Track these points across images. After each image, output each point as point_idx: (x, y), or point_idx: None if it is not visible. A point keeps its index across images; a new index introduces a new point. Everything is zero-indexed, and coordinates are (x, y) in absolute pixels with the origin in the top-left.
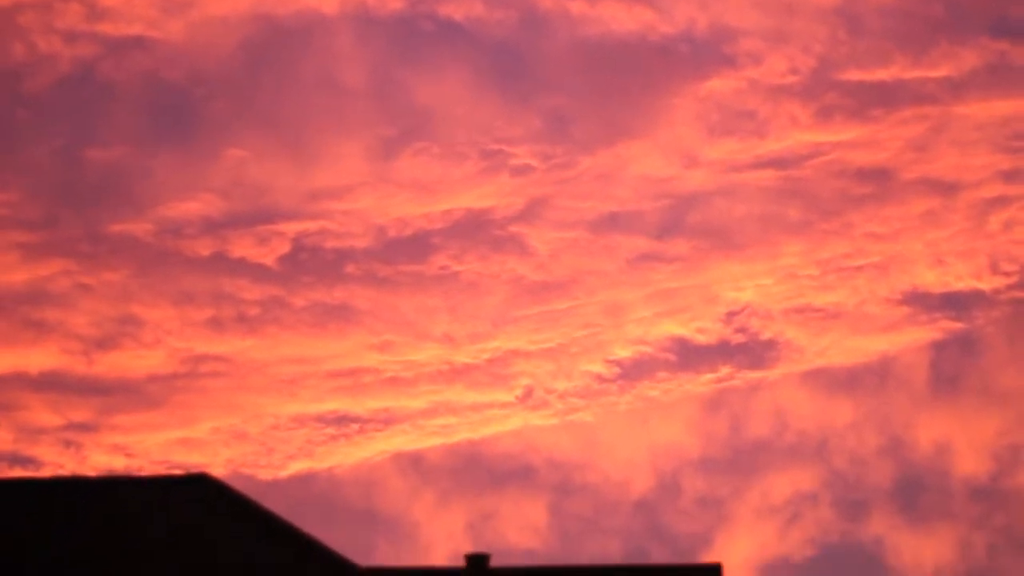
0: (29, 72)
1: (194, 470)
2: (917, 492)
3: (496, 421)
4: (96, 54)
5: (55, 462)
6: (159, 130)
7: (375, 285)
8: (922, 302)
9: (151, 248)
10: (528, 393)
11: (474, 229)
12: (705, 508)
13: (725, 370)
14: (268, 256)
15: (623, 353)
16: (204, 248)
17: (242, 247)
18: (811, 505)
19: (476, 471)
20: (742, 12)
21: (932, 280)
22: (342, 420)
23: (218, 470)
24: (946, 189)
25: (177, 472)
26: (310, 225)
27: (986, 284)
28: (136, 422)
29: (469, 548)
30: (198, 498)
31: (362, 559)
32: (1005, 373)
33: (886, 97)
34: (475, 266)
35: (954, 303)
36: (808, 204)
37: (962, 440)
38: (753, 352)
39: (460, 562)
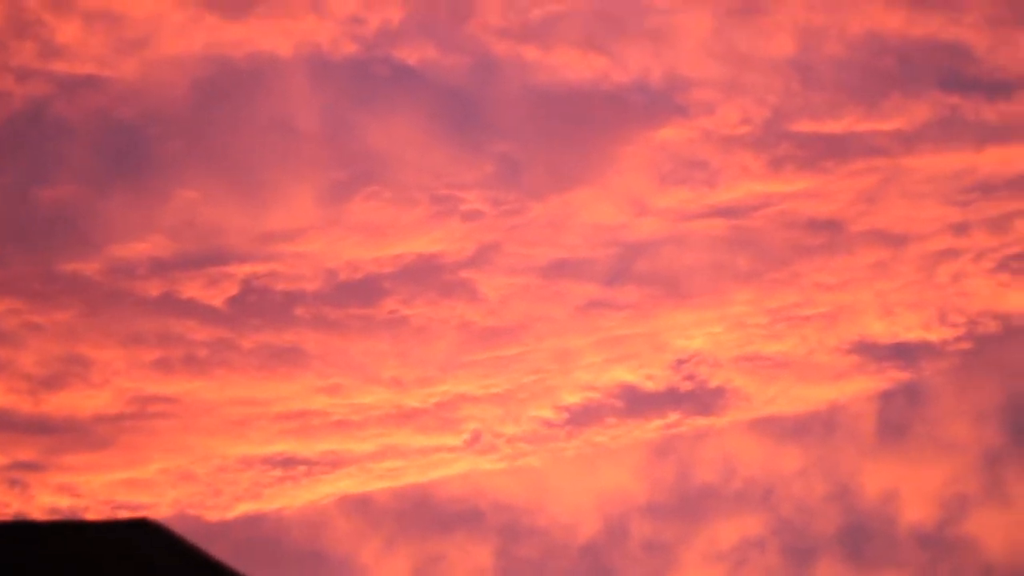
0: None
1: (141, 510)
2: (864, 540)
3: (444, 465)
4: (48, 92)
5: (1, 501)
6: (111, 169)
7: (325, 328)
8: (870, 352)
9: (101, 288)
10: (476, 437)
11: (424, 274)
12: (652, 553)
13: (673, 416)
14: (217, 297)
15: (572, 399)
16: (154, 288)
17: (192, 288)
18: (758, 551)
19: (424, 514)
20: (696, 62)
21: (881, 330)
22: (289, 462)
23: (165, 511)
24: (896, 241)
25: (123, 513)
26: (260, 267)
27: (934, 335)
28: (83, 462)
29: None
30: (141, 543)
31: None
32: (952, 423)
33: (838, 149)
34: (425, 311)
35: (902, 353)
36: (758, 253)
37: (909, 488)
38: (701, 399)
39: None
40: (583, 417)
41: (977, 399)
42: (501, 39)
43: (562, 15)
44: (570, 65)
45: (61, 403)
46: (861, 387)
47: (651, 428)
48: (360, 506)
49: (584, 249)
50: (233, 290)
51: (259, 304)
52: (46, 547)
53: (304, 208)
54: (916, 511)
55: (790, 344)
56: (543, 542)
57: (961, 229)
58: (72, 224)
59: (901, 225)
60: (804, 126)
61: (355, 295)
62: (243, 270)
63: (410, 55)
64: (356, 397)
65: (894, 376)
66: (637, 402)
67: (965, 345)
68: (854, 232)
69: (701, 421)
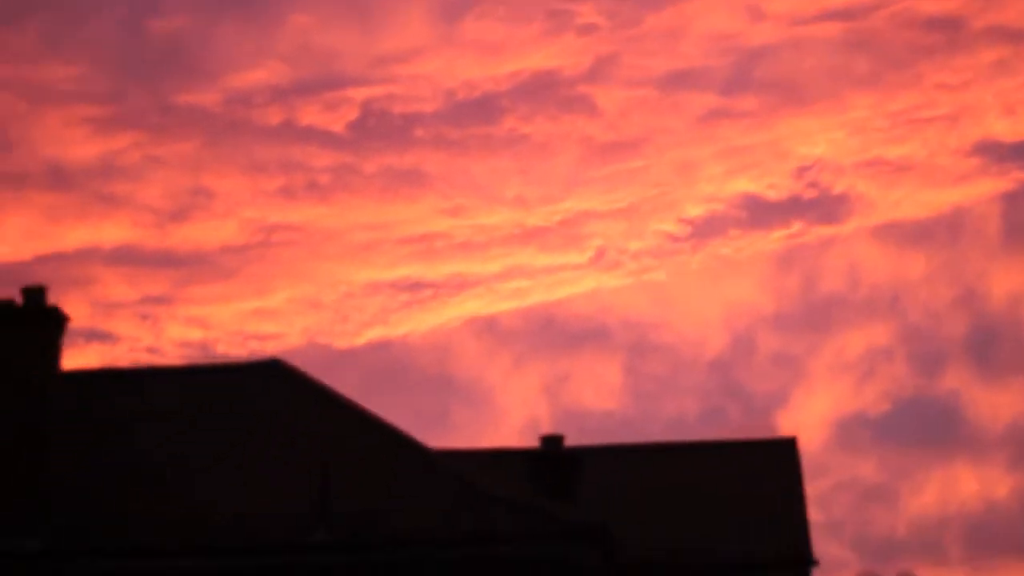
0: None
1: (270, 340)
2: (991, 344)
3: (569, 283)
4: None
5: (131, 336)
6: None
7: (444, 149)
8: (994, 152)
9: (220, 118)
10: (600, 254)
11: (542, 90)
12: (780, 366)
13: (797, 226)
14: (337, 123)
15: (694, 211)
16: (273, 116)
17: (311, 114)
18: (885, 360)
19: (550, 334)
20: None
21: (1004, 129)
22: (415, 286)
23: (294, 340)
24: (1017, 36)
25: (253, 344)
26: (378, 90)
27: None
28: (211, 293)
29: (543, 411)
30: (271, 384)
31: (438, 424)
32: None
33: None
34: (544, 127)
35: None
36: (877, 55)
37: None
38: (824, 207)
39: (534, 439)
40: (706, 229)
41: None
42: None
43: None
44: None
45: (186, 235)
46: (985, 188)
47: (775, 238)
48: (487, 327)
49: (701, 58)
50: (352, 114)
51: (378, 127)
52: (180, 388)
53: (418, 28)
54: None
55: (912, 147)
56: (670, 357)
57: None
58: (187, 55)
59: (1022, 20)
60: None
61: (473, 114)
62: (361, 93)
63: None
64: (479, 217)
65: (1018, 176)
66: (760, 212)
67: None
68: (975, 29)
69: (825, 229)
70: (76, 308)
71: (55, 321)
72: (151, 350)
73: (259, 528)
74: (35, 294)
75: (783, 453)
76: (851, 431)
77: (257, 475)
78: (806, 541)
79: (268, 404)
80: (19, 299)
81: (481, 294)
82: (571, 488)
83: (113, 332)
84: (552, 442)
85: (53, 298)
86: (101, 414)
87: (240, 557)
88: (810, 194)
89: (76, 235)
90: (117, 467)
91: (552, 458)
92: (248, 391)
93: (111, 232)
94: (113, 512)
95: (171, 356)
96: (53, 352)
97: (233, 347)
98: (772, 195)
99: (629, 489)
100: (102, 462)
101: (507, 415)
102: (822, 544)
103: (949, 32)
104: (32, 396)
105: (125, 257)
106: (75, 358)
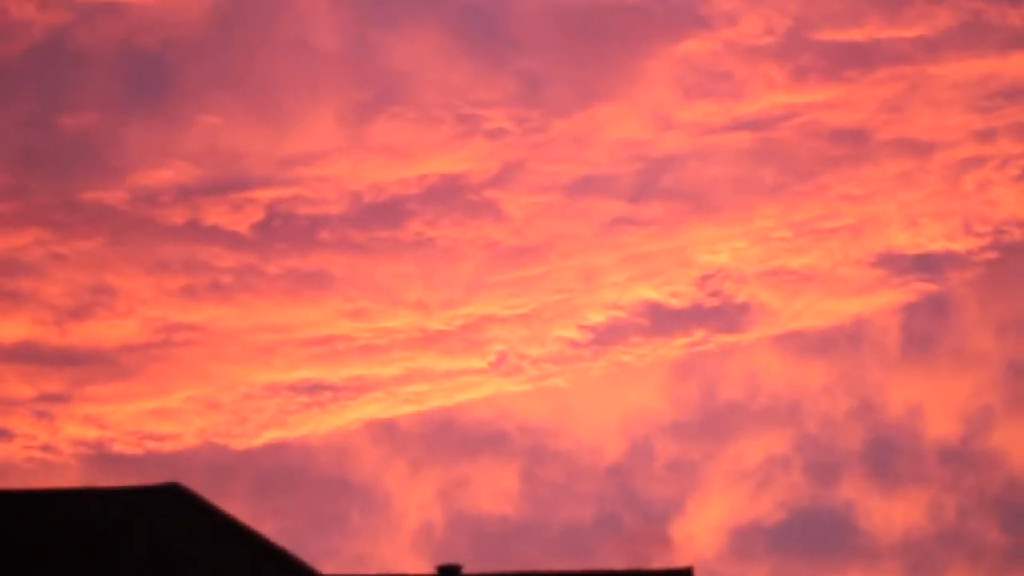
0: (1, 38)
1: (168, 440)
2: (888, 455)
3: (469, 388)
4: (69, 20)
5: (27, 433)
6: (131, 96)
7: (350, 251)
8: (895, 264)
9: (125, 216)
10: (501, 359)
11: (449, 194)
12: (677, 473)
13: (699, 334)
14: (242, 223)
15: (596, 318)
16: (178, 216)
17: (216, 214)
18: (783, 469)
19: (449, 438)
20: None
21: (906, 242)
22: (315, 388)
23: (191, 440)
24: (921, 150)
25: (149, 444)
26: (284, 192)
27: (960, 245)
28: (109, 392)
29: (440, 516)
30: (170, 509)
31: (334, 527)
32: (977, 335)
33: (861, 57)
34: (450, 231)
35: (927, 264)
36: (783, 166)
37: (934, 402)
38: (726, 315)
39: (430, 546)
40: (608, 336)
41: (1002, 309)
42: None
43: None
44: None
45: (87, 333)
46: (886, 300)
47: (676, 346)
48: (386, 431)
49: (608, 165)
50: (257, 215)
51: (284, 229)
52: (75, 513)
53: (326, 130)
54: (941, 425)
55: (815, 257)
56: (568, 463)
57: (986, 136)
58: (95, 152)
59: (926, 133)
60: (827, 35)
61: (380, 217)
62: (267, 195)
63: None
64: (381, 321)
65: (919, 288)
66: (662, 320)
67: (991, 255)
68: (879, 141)
69: (726, 338)
70: None
71: None
72: (46, 448)
73: None
74: None
75: None
76: (746, 539)
77: None
78: None
79: (165, 530)
80: None
81: (381, 398)
82: None
83: (9, 429)
84: (448, 571)
85: None
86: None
87: None
88: (712, 302)
89: None
90: None
91: None
92: (145, 515)
93: (11, 329)
94: None
95: (66, 455)
96: None
97: (129, 447)
98: (674, 303)
99: None
100: None
101: (403, 519)
102: None
103: (854, 144)
104: None
105: (24, 355)
106: None
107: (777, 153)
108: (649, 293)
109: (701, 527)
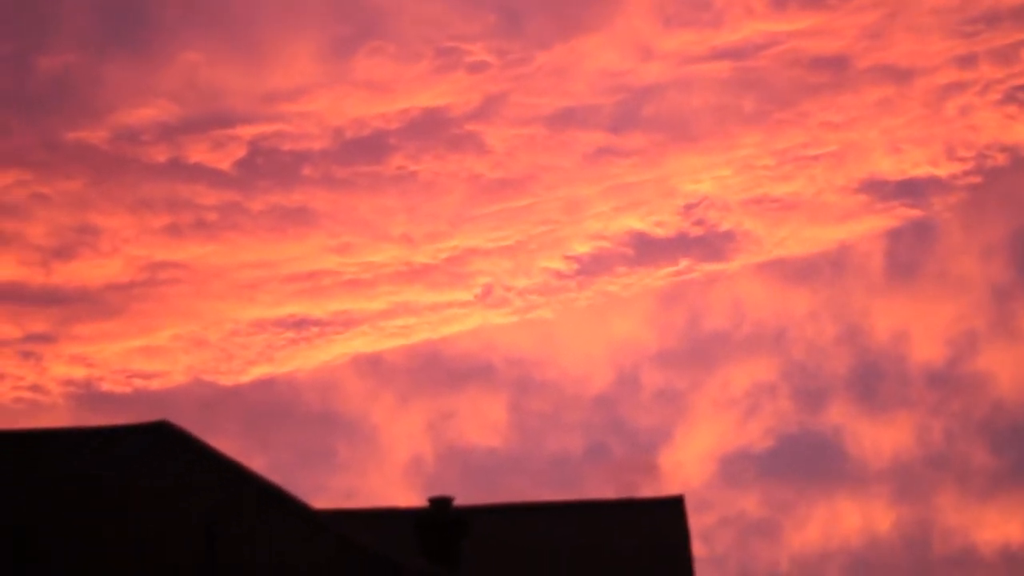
0: None
1: (155, 378)
2: (874, 380)
3: (455, 320)
4: None
5: (15, 374)
6: (111, 34)
7: (333, 187)
8: (879, 190)
9: (106, 155)
10: (487, 291)
11: (431, 128)
12: (664, 401)
13: (684, 263)
14: (224, 160)
15: (581, 249)
16: (160, 154)
17: (198, 152)
18: (770, 396)
19: (436, 371)
20: None
21: (888, 168)
22: (301, 324)
23: (179, 377)
24: (901, 76)
25: (137, 382)
26: (266, 128)
27: (942, 170)
28: (96, 332)
29: (429, 449)
30: (158, 446)
31: (323, 462)
32: (961, 259)
33: None
34: (432, 165)
35: (910, 190)
36: (764, 94)
37: (919, 327)
38: (711, 244)
39: (419, 480)
40: (593, 267)
41: (986, 234)
42: None
43: None
44: None
45: (72, 273)
46: (870, 226)
47: (661, 275)
48: (372, 365)
49: (590, 96)
50: (240, 152)
51: (266, 165)
52: (66, 454)
53: (307, 66)
54: (926, 349)
55: (798, 185)
56: (555, 394)
57: (967, 61)
58: (74, 92)
59: (907, 60)
60: None
61: (362, 152)
62: (249, 131)
63: None
64: (366, 255)
65: (903, 214)
66: (647, 249)
67: (973, 179)
68: (860, 69)
69: (711, 266)
70: None
71: None
72: (34, 388)
73: None
74: None
75: (670, 512)
76: (735, 466)
77: (144, 534)
78: None
79: (155, 465)
80: None
81: (367, 332)
82: (458, 551)
83: None
84: (440, 503)
85: None
86: None
87: None
88: (696, 231)
89: None
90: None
91: (439, 520)
92: (135, 454)
93: None
94: None
95: (54, 395)
96: None
97: (118, 385)
98: (659, 232)
99: (517, 551)
100: None
101: (392, 452)
102: None
103: (835, 71)
104: None
105: (9, 295)
106: None
107: (758, 81)
108: (633, 223)
109: (690, 455)
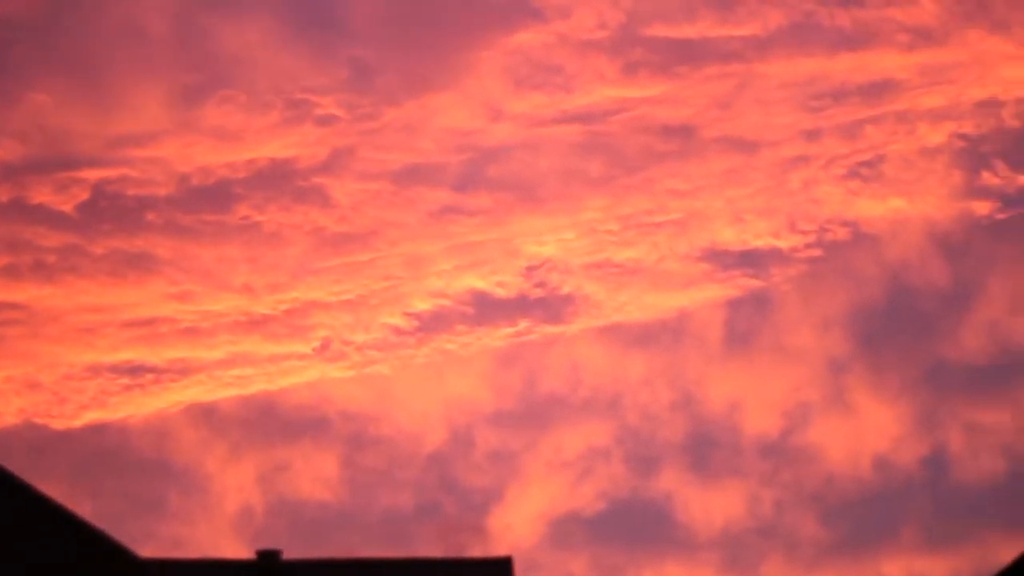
0: None
1: None
2: (708, 448)
3: (293, 372)
4: None
5: None
6: None
7: (176, 234)
8: (720, 259)
9: None
10: (326, 345)
11: (277, 179)
12: (498, 462)
13: (523, 324)
14: (67, 203)
15: (422, 306)
16: (2, 194)
17: (41, 193)
18: (603, 460)
19: (271, 423)
20: None
21: (731, 237)
22: (137, 370)
23: (10, 419)
24: (748, 147)
25: None
26: (111, 172)
27: (784, 242)
28: None
29: (260, 501)
30: None
31: (153, 510)
32: (798, 331)
33: (692, 54)
34: (277, 216)
35: (752, 260)
36: (611, 159)
37: (753, 397)
38: (551, 306)
39: (249, 531)
40: (433, 324)
41: (824, 307)
42: None
43: None
44: None
45: None
46: (710, 294)
47: (500, 335)
48: (207, 414)
49: (437, 154)
50: (83, 195)
51: (110, 209)
52: None
53: (156, 112)
54: (760, 420)
55: (641, 251)
56: (389, 450)
57: (813, 136)
58: None
59: (754, 131)
60: (659, 30)
61: (207, 200)
62: (94, 175)
63: None
64: (206, 304)
65: (743, 283)
66: (487, 309)
67: (814, 252)
68: (707, 138)
69: (550, 328)
70: None
71: None
72: None
73: None
74: None
75: (498, 573)
76: (565, 529)
77: None
78: None
79: None
80: None
81: (203, 380)
82: None
83: None
84: (268, 556)
85: None
86: None
87: None
88: (537, 293)
89: None
90: None
91: (267, 572)
92: None
93: None
94: None
95: None
96: None
97: None
98: (500, 293)
99: None
100: None
101: (223, 503)
102: None
103: (682, 140)
104: None
105: None
106: None
107: (606, 146)
108: (475, 282)
109: (521, 517)
